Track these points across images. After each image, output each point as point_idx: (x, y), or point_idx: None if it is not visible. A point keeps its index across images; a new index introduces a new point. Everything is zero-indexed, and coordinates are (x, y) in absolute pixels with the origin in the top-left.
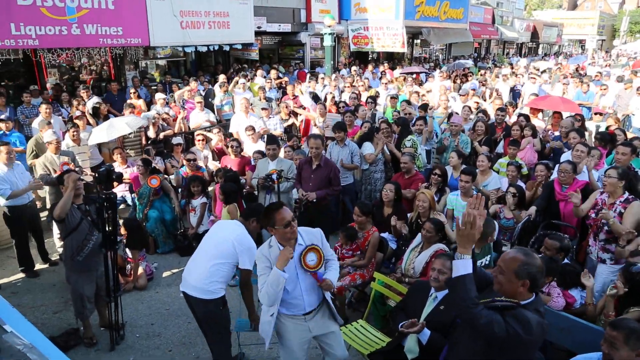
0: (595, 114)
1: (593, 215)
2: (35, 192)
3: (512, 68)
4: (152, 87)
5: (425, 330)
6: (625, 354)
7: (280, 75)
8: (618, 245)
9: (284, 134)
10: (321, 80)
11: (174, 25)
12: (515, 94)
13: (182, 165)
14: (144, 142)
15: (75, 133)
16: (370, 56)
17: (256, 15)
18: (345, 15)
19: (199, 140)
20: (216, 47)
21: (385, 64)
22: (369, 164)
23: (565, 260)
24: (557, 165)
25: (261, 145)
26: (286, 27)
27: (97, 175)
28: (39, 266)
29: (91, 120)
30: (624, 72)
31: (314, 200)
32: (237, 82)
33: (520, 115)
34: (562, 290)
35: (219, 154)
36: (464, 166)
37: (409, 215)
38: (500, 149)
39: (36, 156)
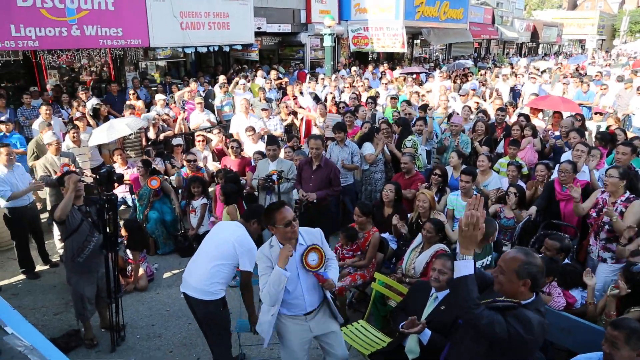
0: (596, 113)
1: (594, 214)
2: (36, 193)
3: (512, 68)
4: (152, 88)
5: (426, 330)
6: (626, 354)
7: (280, 75)
8: (619, 244)
9: (284, 134)
10: (321, 80)
11: (173, 26)
12: (515, 94)
13: (183, 166)
14: (144, 143)
15: (75, 134)
16: (370, 56)
17: (256, 15)
18: (345, 16)
19: (199, 141)
20: (216, 48)
21: (385, 65)
22: (369, 165)
23: (566, 261)
24: (557, 165)
25: (261, 146)
26: (286, 28)
27: (98, 176)
28: (39, 268)
29: (91, 122)
30: (624, 71)
31: (315, 201)
32: (237, 83)
33: (520, 115)
34: (563, 291)
35: (219, 155)
36: (464, 166)
37: (409, 215)
38: (500, 149)
39: (37, 158)
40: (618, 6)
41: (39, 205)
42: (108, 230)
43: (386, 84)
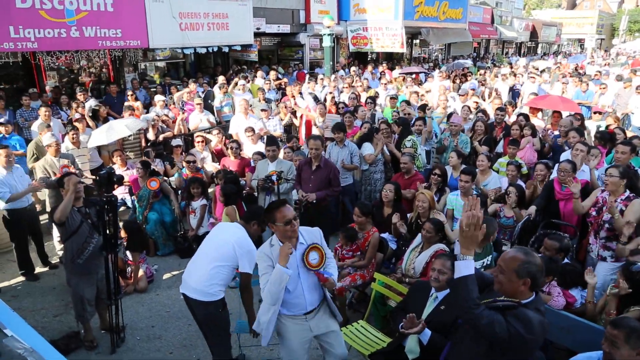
0: (595, 112)
1: (594, 213)
2: (35, 195)
3: (512, 67)
4: (152, 89)
5: (426, 330)
6: (626, 353)
7: (280, 76)
8: (619, 242)
9: (284, 134)
10: (320, 81)
11: (173, 27)
12: (514, 93)
13: (182, 167)
14: (143, 144)
15: (74, 136)
16: (369, 57)
17: (255, 16)
18: (344, 16)
19: (198, 141)
20: (215, 49)
21: (384, 65)
22: (368, 165)
23: (566, 260)
24: (556, 165)
25: (261, 147)
26: (285, 28)
27: (97, 178)
28: (39, 269)
29: (90, 123)
30: (623, 70)
31: (314, 201)
32: (235, 84)
33: (519, 114)
34: (563, 290)
35: (218, 156)
36: (463, 166)
37: (408, 215)
38: (499, 148)
39: (37, 159)
40: (617, 5)
41: (38, 207)
42: (108, 231)
43: (385, 84)
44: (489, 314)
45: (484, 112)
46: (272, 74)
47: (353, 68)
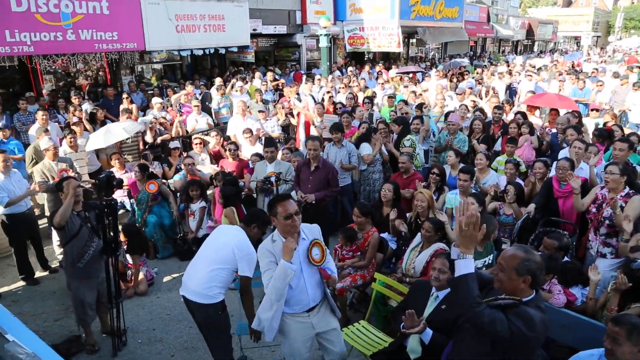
0: (592, 110)
1: (594, 209)
2: (34, 199)
3: (508, 66)
4: (149, 92)
5: (427, 330)
6: (627, 350)
7: (277, 77)
8: (621, 239)
9: (282, 134)
10: (317, 81)
11: (169, 29)
12: (511, 91)
13: (181, 169)
14: (141, 147)
15: (72, 139)
16: (366, 57)
17: (251, 17)
18: (340, 16)
19: (196, 143)
20: (212, 51)
21: (381, 64)
22: (367, 165)
23: (566, 258)
24: (555, 163)
25: (259, 148)
26: (282, 29)
27: (97, 181)
28: (38, 274)
29: (88, 126)
30: (619, 67)
31: (313, 202)
32: (232, 86)
33: (517, 112)
34: (563, 288)
35: (215, 157)
36: (462, 165)
37: (407, 215)
38: (498, 147)
39: (36, 164)
40: (612, 3)
41: (37, 211)
42: (108, 235)
43: (382, 83)
44: (490, 312)
45: (481, 110)
46: (269, 75)
47: (350, 68)
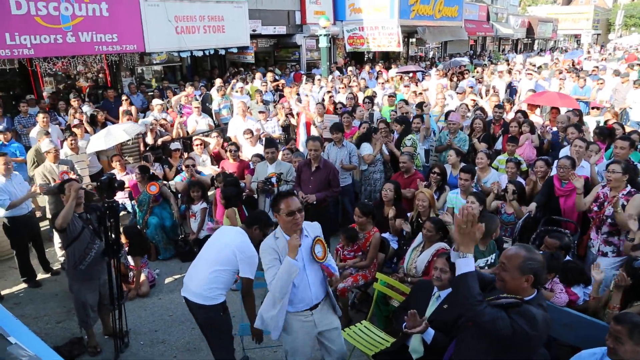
0: (593, 108)
1: (595, 208)
2: (35, 201)
3: (509, 64)
4: (149, 93)
5: (429, 329)
6: (629, 348)
7: (277, 77)
8: (627, 239)
9: (282, 134)
10: (317, 82)
11: (169, 31)
12: (512, 90)
13: (182, 171)
14: (142, 148)
15: (73, 141)
16: (366, 56)
17: (251, 18)
18: (340, 16)
19: (196, 145)
20: (212, 52)
21: (380, 64)
22: (367, 165)
23: (567, 257)
24: (556, 161)
25: (260, 149)
26: (281, 30)
27: (99, 184)
28: (40, 276)
29: (89, 128)
30: (620, 65)
31: (314, 203)
32: (232, 87)
33: (518, 111)
34: (565, 287)
35: (216, 158)
36: (462, 164)
37: (409, 214)
38: (498, 145)
39: (38, 166)
40: (612, 0)
41: (38, 213)
42: (110, 237)
43: (383, 83)
44: (492, 311)
45: (482, 109)
46: (269, 75)
47: (350, 68)
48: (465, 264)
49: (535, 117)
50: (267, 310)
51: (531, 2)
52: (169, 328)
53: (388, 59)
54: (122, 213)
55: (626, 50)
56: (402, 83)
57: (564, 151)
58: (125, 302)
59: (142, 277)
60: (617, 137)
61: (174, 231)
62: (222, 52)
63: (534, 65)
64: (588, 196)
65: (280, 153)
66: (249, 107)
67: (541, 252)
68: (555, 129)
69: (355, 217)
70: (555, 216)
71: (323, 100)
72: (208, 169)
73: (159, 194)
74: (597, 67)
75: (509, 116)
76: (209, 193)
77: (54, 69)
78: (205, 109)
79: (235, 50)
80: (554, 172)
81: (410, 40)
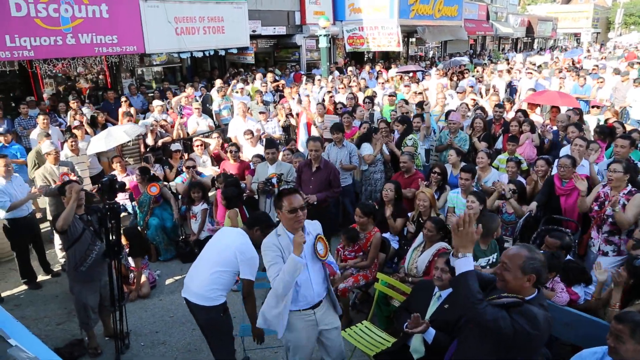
0: (593, 107)
1: (596, 207)
2: (35, 203)
3: (509, 64)
4: (149, 94)
5: (430, 329)
6: (631, 347)
7: (277, 78)
8: (627, 237)
9: (283, 134)
10: (317, 82)
11: (168, 32)
12: (512, 89)
13: (182, 172)
14: (142, 149)
15: (73, 143)
16: (366, 56)
17: (251, 18)
18: (339, 16)
19: (197, 146)
20: (212, 52)
21: (380, 64)
22: (368, 165)
23: (568, 257)
24: (556, 160)
25: (260, 149)
26: (281, 30)
27: (100, 185)
28: (41, 278)
29: (89, 130)
30: (620, 64)
31: (315, 203)
32: (232, 88)
33: (518, 110)
34: (566, 287)
35: (216, 159)
36: (463, 164)
37: (409, 214)
38: (499, 145)
39: (39, 168)
40: None
41: (38, 215)
42: (111, 238)
43: (383, 83)
44: (493, 311)
45: (482, 109)
46: (270, 76)
47: (350, 68)
48: (465, 263)
49: (536, 116)
50: (270, 309)
51: (531, 1)
52: (170, 329)
53: (388, 58)
54: (122, 214)
55: (626, 49)
56: (402, 83)
57: (565, 150)
58: (126, 303)
59: (143, 278)
60: (618, 135)
61: (175, 232)
62: (222, 52)
63: (534, 64)
64: (589, 196)
65: (281, 154)
66: (249, 108)
67: (542, 251)
68: (555, 128)
69: (356, 217)
70: (556, 215)
71: (323, 100)
72: (208, 170)
73: (159, 195)
74: (597, 65)
75: (509, 115)
76: (210, 194)
77: (54, 71)
78: (206, 110)
79: (235, 51)
80: (554, 171)
81: (410, 39)
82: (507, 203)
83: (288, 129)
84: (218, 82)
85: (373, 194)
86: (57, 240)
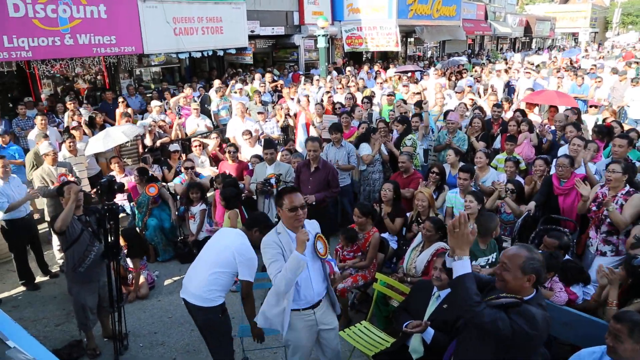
0: (591, 106)
1: (594, 207)
2: (33, 204)
3: (507, 63)
4: (148, 95)
5: (429, 329)
6: (629, 347)
7: (275, 78)
8: (626, 237)
9: (281, 134)
10: (316, 82)
11: (167, 32)
12: (510, 89)
13: (181, 172)
14: (141, 150)
15: (71, 144)
16: (364, 56)
17: (249, 19)
18: (338, 16)
19: (195, 146)
20: (210, 53)
21: (378, 64)
22: (366, 165)
23: (567, 257)
24: (554, 160)
25: (258, 150)
26: (279, 30)
27: (99, 186)
28: (39, 279)
29: (87, 131)
30: (617, 63)
31: (313, 203)
32: (230, 88)
33: (516, 110)
34: (564, 287)
35: (215, 160)
36: (461, 163)
37: (408, 214)
38: (497, 144)
39: (37, 169)
40: None
41: (36, 216)
42: (109, 239)
43: (381, 83)
44: (491, 312)
45: (480, 109)
46: (268, 76)
47: (349, 68)
48: (462, 266)
49: (534, 116)
50: (271, 308)
51: (529, 0)
52: (169, 330)
53: (386, 58)
54: (121, 215)
55: (624, 48)
56: (401, 83)
57: (563, 150)
58: (124, 304)
59: (142, 279)
60: (616, 135)
61: (173, 233)
62: (221, 53)
63: (532, 64)
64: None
65: (279, 154)
66: (247, 108)
67: (540, 251)
68: (553, 127)
69: (355, 217)
70: (555, 215)
71: (322, 100)
72: (207, 171)
73: (158, 195)
74: (595, 65)
75: (508, 115)
76: (208, 194)
77: (52, 71)
78: (204, 110)
79: (233, 51)
80: (552, 170)
81: (409, 39)
82: (505, 202)
83: (286, 129)
84: (216, 83)
85: (371, 194)
86: (56, 241)
